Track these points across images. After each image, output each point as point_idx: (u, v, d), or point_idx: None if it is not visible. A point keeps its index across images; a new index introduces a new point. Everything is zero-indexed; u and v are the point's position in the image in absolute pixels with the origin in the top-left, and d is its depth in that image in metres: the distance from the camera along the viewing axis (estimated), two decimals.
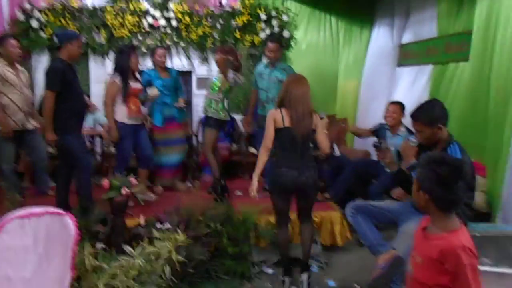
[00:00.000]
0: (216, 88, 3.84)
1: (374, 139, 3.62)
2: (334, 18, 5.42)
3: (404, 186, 2.73)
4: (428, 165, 1.55)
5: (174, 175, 4.20)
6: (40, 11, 4.77)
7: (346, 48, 5.51)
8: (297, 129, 2.62)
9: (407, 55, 4.60)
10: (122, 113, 3.55)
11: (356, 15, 5.37)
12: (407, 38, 4.61)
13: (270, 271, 3.17)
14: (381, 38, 5.07)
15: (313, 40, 5.42)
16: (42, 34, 4.76)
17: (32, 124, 3.65)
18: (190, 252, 2.74)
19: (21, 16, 4.75)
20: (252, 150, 4.76)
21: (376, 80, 5.01)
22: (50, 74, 3.10)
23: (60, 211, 2.22)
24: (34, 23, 4.73)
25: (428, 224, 1.64)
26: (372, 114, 4.75)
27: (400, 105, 3.65)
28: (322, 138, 2.77)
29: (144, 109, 3.85)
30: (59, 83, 3.08)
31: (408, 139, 2.69)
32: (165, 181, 4.13)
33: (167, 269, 2.54)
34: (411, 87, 4.33)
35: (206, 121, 3.96)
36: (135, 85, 3.62)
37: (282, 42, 3.99)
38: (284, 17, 5.15)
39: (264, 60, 4.22)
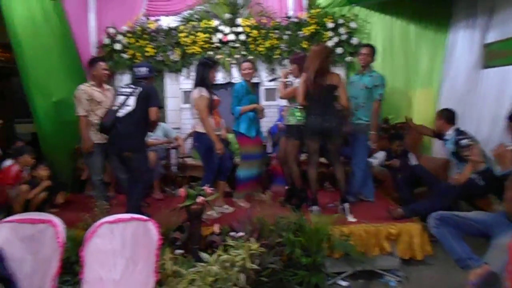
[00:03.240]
0: None
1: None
2: (404, 22, 5.16)
3: (495, 192, 2.50)
4: None
5: (254, 187, 4.23)
6: (122, 34, 5.21)
7: (419, 53, 5.21)
8: (311, 86, 3.43)
9: (493, 55, 4.22)
10: None
11: (428, 18, 5.07)
12: (492, 37, 4.23)
13: (344, 283, 3.07)
14: (461, 40, 4.74)
15: (383, 46, 5.21)
16: (124, 55, 5.18)
17: None
18: (263, 261, 2.76)
19: (106, 40, 5.23)
20: (322, 159, 4.68)
21: (457, 85, 4.67)
22: (156, 93, 3.45)
23: (144, 217, 2.37)
24: (117, 46, 5.17)
25: None
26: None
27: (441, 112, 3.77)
28: (342, 93, 3.52)
29: (222, 121, 3.98)
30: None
31: (503, 143, 2.46)
32: (245, 194, 4.15)
33: (242, 277, 2.58)
34: (501, 89, 3.97)
35: (288, 131, 3.86)
36: (215, 97, 3.73)
37: (374, 49, 3.87)
38: (352, 24, 5.06)
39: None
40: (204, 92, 3.51)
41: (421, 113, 5.04)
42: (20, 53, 4.14)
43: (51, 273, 2.17)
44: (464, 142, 2.93)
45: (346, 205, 3.56)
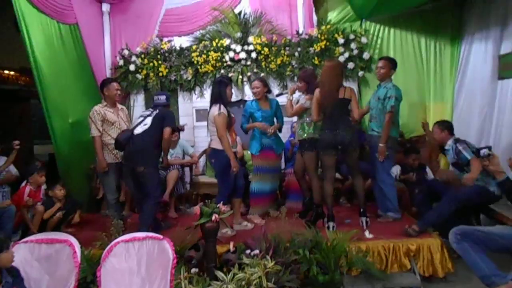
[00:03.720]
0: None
1: None
2: (415, 36, 5.15)
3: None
4: None
5: (268, 203, 4.21)
6: (136, 55, 5.32)
7: (431, 67, 5.17)
8: (325, 101, 3.55)
9: (508, 66, 4.16)
10: None
11: (440, 31, 5.05)
12: (507, 47, 4.17)
13: None
14: (474, 51, 4.70)
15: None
16: (138, 76, 5.29)
17: None
18: (279, 279, 2.71)
19: (120, 62, 5.35)
20: (336, 175, 4.64)
21: (473, 97, 4.61)
22: (171, 116, 3.70)
23: (159, 236, 2.37)
24: (132, 67, 5.28)
25: None
26: (471, 134, 4.40)
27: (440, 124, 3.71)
28: (354, 106, 3.67)
29: (238, 138, 4.01)
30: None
31: None
32: (260, 209, 4.11)
33: None
34: None
35: (302, 145, 3.88)
36: (232, 115, 3.78)
37: (391, 61, 3.84)
38: (363, 39, 5.07)
39: None
40: (222, 109, 3.53)
41: None
42: (39, 76, 4.27)
43: None
44: (484, 152, 2.86)
45: (364, 219, 3.61)
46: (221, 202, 3.28)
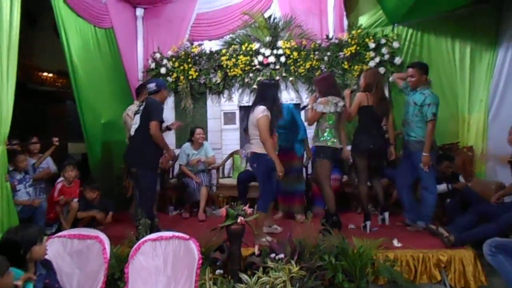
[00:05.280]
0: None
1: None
2: (449, 41, 4.99)
3: None
4: None
5: (292, 203, 4.24)
6: (167, 59, 5.44)
7: (465, 73, 4.98)
8: (380, 108, 3.72)
9: None
10: None
11: (475, 37, 4.86)
12: None
13: None
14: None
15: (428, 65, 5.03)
16: (169, 78, 5.40)
17: None
18: (304, 285, 2.68)
19: (152, 65, 5.49)
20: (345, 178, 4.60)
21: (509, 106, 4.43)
22: (156, 108, 3.49)
23: (186, 236, 2.40)
24: (163, 70, 5.41)
25: None
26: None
27: None
28: (390, 116, 3.95)
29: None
30: (162, 115, 3.51)
31: None
32: (284, 207, 4.20)
33: None
34: None
35: (317, 152, 3.84)
36: None
37: (421, 67, 3.73)
38: (395, 44, 4.97)
39: None
40: (267, 112, 3.38)
41: (472, 134, 4.80)
42: (75, 78, 4.44)
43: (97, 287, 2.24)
44: None
45: (386, 214, 3.90)
46: (265, 208, 3.39)
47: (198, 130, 4.84)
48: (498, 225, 3.08)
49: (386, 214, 3.92)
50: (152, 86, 3.66)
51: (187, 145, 4.85)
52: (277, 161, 3.37)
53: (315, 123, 3.82)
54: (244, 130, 3.86)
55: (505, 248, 2.37)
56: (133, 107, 4.15)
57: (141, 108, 3.56)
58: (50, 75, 8.35)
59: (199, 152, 4.84)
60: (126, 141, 4.25)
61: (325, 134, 3.73)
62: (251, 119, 3.49)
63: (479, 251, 2.86)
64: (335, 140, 3.72)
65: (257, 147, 3.46)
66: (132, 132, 3.57)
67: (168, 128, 4.25)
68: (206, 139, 5.37)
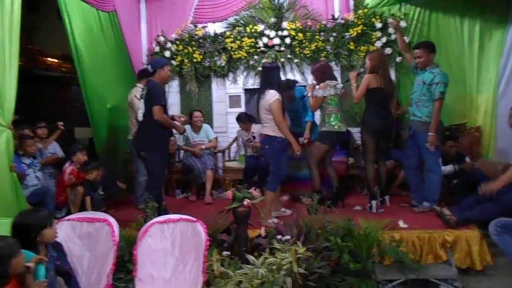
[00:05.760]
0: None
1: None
2: (458, 20, 4.87)
3: None
4: None
5: (299, 187, 4.28)
6: (171, 42, 5.40)
7: (474, 53, 4.88)
8: (387, 89, 3.77)
9: None
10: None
11: (484, 15, 4.74)
12: None
13: None
14: None
15: (435, 44, 4.93)
16: (173, 62, 5.36)
17: None
18: (310, 265, 2.72)
19: (156, 48, 5.46)
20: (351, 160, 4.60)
21: None
22: (155, 92, 3.45)
23: (193, 218, 2.43)
24: (167, 53, 5.37)
25: None
26: None
27: None
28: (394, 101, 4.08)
29: None
30: (164, 98, 3.49)
31: None
32: (290, 191, 4.27)
33: (289, 280, 2.55)
34: None
35: (321, 137, 3.92)
36: None
37: (427, 46, 3.68)
38: (402, 23, 4.86)
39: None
40: (278, 96, 3.42)
41: (480, 114, 4.75)
42: (80, 63, 4.42)
43: (107, 269, 2.29)
44: None
45: (387, 197, 4.00)
46: (274, 188, 3.46)
47: (196, 113, 4.85)
48: (500, 205, 3.07)
49: (387, 198, 4.01)
50: (149, 68, 3.68)
51: (187, 127, 4.85)
52: (293, 141, 3.48)
53: (318, 110, 3.94)
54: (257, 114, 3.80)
55: (511, 228, 2.37)
56: (138, 89, 4.13)
57: (144, 92, 3.58)
58: (55, 60, 8.34)
59: (199, 134, 4.86)
60: (130, 124, 4.30)
61: (331, 119, 3.83)
62: (262, 104, 3.52)
63: (485, 231, 2.87)
64: (341, 124, 3.85)
65: (270, 130, 3.53)
66: (140, 118, 3.60)
67: (172, 119, 4.25)
68: (211, 122, 5.38)
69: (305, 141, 4.23)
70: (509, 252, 2.35)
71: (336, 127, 3.81)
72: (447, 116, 4.78)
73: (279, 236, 2.94)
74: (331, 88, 3.78)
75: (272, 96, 3.42)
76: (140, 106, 3.59)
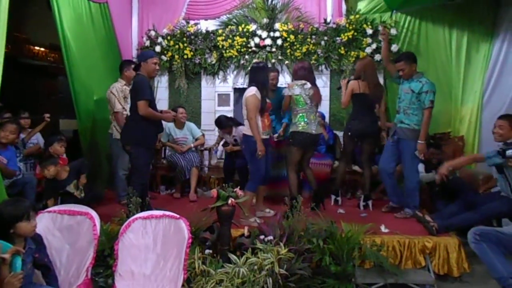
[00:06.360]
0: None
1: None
2: (446, 30, 4.94)
3: None
4: None
5: (281, 188, 4.26)
6: (162, 37, 5.36)
7: (461, 63, 4.96)
8: (372, 95, 3.91)
9: None
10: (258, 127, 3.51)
11: (472, 27, 4.83)
12: None
13: None
14: (507, 49, 4.52)
15: (423, 54, 5.01)
16: (163, 57, 5.32)
17: None
18: (291, 266, 2.73)
19: (147, 42, 5.41)
20: (356, 167, 4.60)
21: (507, 96, 4.47)
22: (140, 86, 3.41)
23: (176, 215, 2.41)
24: (157, 48, 5.33)
25: None
26: None
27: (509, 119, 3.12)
28: (382, 103, 4.19)
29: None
30: (149, 93, 3.45)
31: None
32: (273, 193, 4.25)
33: (269, 281, 2.56)
34: None
35: (289, 137, 3.86)
36: (268, 100, 3.68)
37: (408, 57, 3.70)
38: (393, 31, 4.93)
39: None
40: (255, 92, 3.45)
41: (464, 124, 4.84)
42: (67, 53, 4.34)
43: (86, 264, 2.26)
44: (510, 152, 2.72)
45: (370, 202, 4.09)
46: (253, 188, 3.46)
47: (181, 110, 4.81)
48: (479, 214, 3.15)
49: (370, 202, 4.10)
50: (137, 60, 3.70)
51: (170, 124, 4.80)
52: (259, 140, 3.41)
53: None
54: None
55: (489, 236, 2.43)
56: (117, 85, 4.14)
57: (130, 87, 3.58)
58: (42, 49, 8.17)
59: (182, 130, 4.83)
60: (110, 118, 4.29)
61: (297, 118, 3.78)
62: (242, 100, 3.57)
63: (464, 239, 2.93)
64: (306, 126, 3.74)
65: (247, 128, 3.52)
66: (129, 112, 3.59)
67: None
68: (199, 120, 5.36)
69: (279, 138, 4.25)
70: (485, 260, 2.40)
71: (300, 127, 3.73)
72: (432, 125, 4.82)
73: (262, 236, 2.95)
74: (297, 87, 3.74)
75: (249, 91, 3.48)
76: (129, 101, 3.58)
